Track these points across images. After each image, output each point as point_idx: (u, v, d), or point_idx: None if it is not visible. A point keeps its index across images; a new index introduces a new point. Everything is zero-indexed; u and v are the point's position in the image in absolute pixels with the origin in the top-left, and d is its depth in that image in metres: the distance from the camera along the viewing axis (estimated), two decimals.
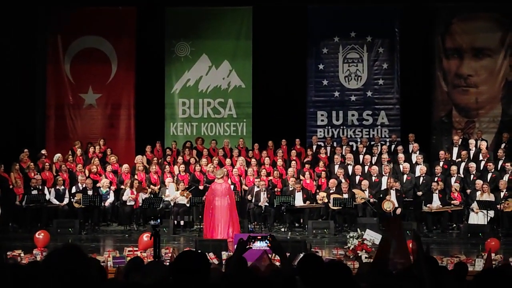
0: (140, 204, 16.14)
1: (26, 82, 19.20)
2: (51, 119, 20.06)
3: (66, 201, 16.25)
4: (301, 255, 6.38)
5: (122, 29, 20.11)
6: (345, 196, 15.88)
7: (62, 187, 16.38)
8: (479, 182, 15.72)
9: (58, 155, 17.67)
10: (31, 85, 19.48)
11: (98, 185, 16.64)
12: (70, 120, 20.07)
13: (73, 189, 16.44)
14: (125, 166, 17.33)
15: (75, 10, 20.00)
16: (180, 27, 20.31)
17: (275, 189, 16.80)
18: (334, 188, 16.14)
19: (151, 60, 20.10)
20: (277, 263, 6.85)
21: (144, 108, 20.09)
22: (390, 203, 15.63)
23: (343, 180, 16.50)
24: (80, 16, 20.04)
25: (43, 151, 17.84)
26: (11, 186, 16.06)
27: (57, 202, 16.17)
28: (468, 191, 16.12)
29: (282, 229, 15.89)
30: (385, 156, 17.39)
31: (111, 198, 16.56)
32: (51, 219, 15.78)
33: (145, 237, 12.38)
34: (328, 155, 18.35)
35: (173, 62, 20.39)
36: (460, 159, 17.27)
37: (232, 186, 15.82)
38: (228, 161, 17.77)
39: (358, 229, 12.85)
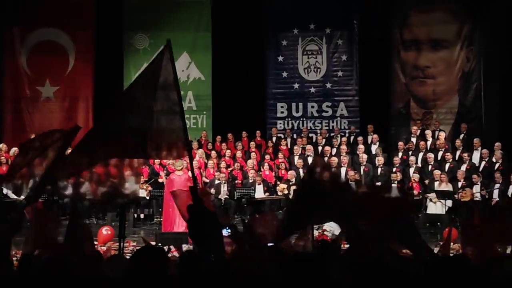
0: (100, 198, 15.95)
1: None
2: (8, 112, 19.74)
3: (24, 195, 16.01)
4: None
5: (80, 21, 19.85)
6: None
7: (20, 181, 16.10)
8: (437, 172, 15.88)
9: (14, 149, 17.38)
10: None
11: None
12: (27, 114, 19.77)
13: (31, 183, 16.18)
14: None
15: (32, 2, 19.69)
16: (138, 19, 20.14)
17: (236, 182, 16.77)
18: (294, 180, 16.19)
19: (110, 52, 19.86)
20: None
21: (102, 101, 19.87)
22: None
23: (301, 172, 16.54)
24: (37, 8, 19.69)
25: (1, 145, 17.55)
26: None
27: (15, 197, 15.93)
28: (426, 181, 16.28)
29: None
30: (343, 147, 17.48)
31: (69, 192, 16.31)
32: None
33: (104, 230, 12.28)
34: (289, 146, 18.39)
35: (131, 54, 20.22)
36: (418, 150, 17.46)
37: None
38: None
39: None
